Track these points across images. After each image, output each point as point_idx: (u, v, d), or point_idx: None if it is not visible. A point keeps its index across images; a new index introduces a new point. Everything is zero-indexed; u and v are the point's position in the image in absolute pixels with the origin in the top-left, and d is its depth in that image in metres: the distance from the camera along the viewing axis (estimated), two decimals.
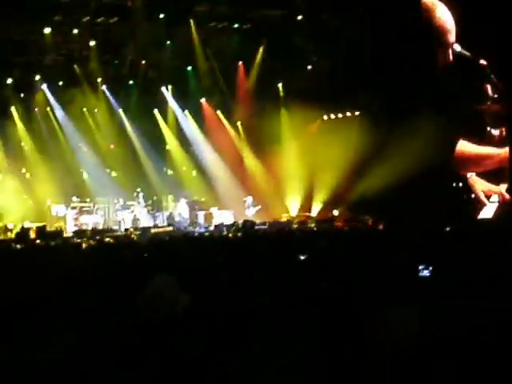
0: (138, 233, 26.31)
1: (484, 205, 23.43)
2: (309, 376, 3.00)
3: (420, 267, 6.55)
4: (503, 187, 22.81)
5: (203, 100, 32.55)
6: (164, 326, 4.43)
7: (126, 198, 30.58)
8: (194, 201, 30.95)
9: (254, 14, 29.24)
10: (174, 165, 32.69)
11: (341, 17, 28.14)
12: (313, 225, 26.88)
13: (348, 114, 29.45)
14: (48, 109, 31.57)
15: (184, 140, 32.73)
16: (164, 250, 9.59)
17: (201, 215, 30.24)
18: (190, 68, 31.58)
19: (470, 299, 4.31)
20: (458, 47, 23.83)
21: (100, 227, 29.30)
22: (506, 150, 22.27)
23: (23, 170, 31.13)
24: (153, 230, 27.46)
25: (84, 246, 17.70)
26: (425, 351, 3.66)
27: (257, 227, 26.85)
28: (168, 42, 30.42)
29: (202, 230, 28.00)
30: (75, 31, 29.10)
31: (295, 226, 26.95)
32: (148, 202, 31.09)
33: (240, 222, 27.42)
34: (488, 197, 23.25)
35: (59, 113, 31.42)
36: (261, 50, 30.70)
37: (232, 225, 27.37)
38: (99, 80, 31.44)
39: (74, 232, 27.99)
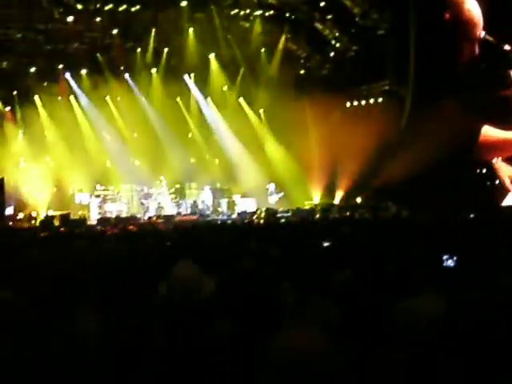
0: (161, 221, 26.39)
1: (509, 191, 23.31)
2: (329, 359, 3.00)
3: (444, 257, 6.51)
4: None
5: (225, 87, 32.48)
6: (189, 310, 4.45)
7: (150, 185, 30.63)
8: (217, 188, 30.95)
9: (276, 1, 29.17)
10: (197, 152, 32.67)
11: (365, 4, 28.03)
12: (336, 212, 26.82)
13: (371, 100, 29.29)
14: (71, 97, 31.67)
15: (207, 128, 32.70)
16: (187, 238, 9.60)
17: (224, 203, 30.25)
18: (212, 55, 31.53)
19: (490, 290, 4.29)
20: (482, 33, 23.67)
21: (124, 215, 29.40)
22: None
23: (47, 159, 31.24)
24: (176, 218, 27.54)
25: (108, 233, 17.75)
26: (448, 338, 3.65)
27: (279, 215, 26.84)
28: (190, 30, 30.40)
29: (225, 217, 28.03)
30: (98, 19, 29.21)
31: (318, 213, 26.92)
32: (171, 190, 31.12)
33: (263, 209, 27.40)
34: None
35: (82, 101, 31.53)
36: (283, 36, 30.61)
37: (254, 212, 27.36)
38: (122, 68, 31.49)
39: (97, 220, 28.13)
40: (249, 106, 32.26)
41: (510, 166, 23.62)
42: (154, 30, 30.40)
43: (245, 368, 3.48)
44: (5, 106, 30.80)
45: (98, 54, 30.52)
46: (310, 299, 5.13)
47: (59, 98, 31.55)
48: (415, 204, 22.16)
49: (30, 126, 30.79)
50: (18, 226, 27.17)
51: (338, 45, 30.30)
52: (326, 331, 3.16)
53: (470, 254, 6.76)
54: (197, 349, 3.65)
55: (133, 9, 29.31)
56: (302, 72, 31.71)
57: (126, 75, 31.79)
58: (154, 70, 31.84)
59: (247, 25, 31.37)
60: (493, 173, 23.76)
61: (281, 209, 28.22)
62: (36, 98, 30.95)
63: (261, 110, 32.16)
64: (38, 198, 29.93)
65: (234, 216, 28.16)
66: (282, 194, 30.03)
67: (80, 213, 29.28)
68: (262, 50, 31.45)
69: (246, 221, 25.72)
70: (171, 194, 31.03)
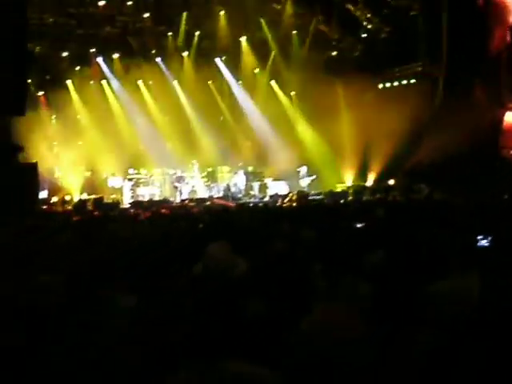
0: (193, 204, 26.48)
1: None
2: (360, 341, 3.00)
3: (479, 237, 6.47)
4: None
5: (257, 70, 32.44)
6: (222, 291, 4.47)
7: (182, 169, 30.73)
8: (249, 172, 30.96)
9: None
10: (229, 136, 32.70)
11: None
12: (368, 194, 26.74)
13: (404, 82, 29.09)
14: (103, 81, 31.84)
15: (238, 111, 32.71)
16: (219, 221, 9.64)
17: (256, 186, 30.28)
18: (243, 38, 31.49)
19: None
20: None
21: (156, 199, 29.55)
22: None
23: (80, 143, 31.46)
24: (208, 202, 27.62)
25: (141, 217, 17.84)
26: (483, 320, 3.63)
27: (311, 197, 26.82)
28: (222, 13, 30.38)
29: (257, 200, 28.06)
30: (129, 3, 29.29)
31: (350, 195, 26.86)
32: (203, 174, 31.19)
33: (294, 192, 27.40)
34: None
35: (114, 85, 31.70)
36: (315, 18, 30.47)
37: (286, 195, 27.36)
38: (153, 52, 31.57)
39: (130, 203, 28.30)
40: (280, 89, 32.19)
41: None
42: (185, 14, 30.44)
43: (275, 349, 3.50)
44: (38, 91, 31.02)
45: (130, 38, 30.62)
46: (342, 281, 5.14)
47: (91, 82, 31.74)
48: (448, 186, 22.03)
49: (62, 111, 31.00)
50: (52, 209, 27.41)
51: (370, 26, 30.10)
52: (357, 313, 3.16)
53: (504, 235, 6.71)
54: (229, 329, 3.67)
55: None
56: (334, 54, 31.56)
57: (158, 59, 31.88)
58: (185, 54, 31.91)
59: (279, 7, 31.30)
60: None
61: (313, 191, 28.18)
62: (68, 82, 31.16)
63: (292, 93, 32.08)
64: (71, 182, 30.19)
65: (266, 199, 28.17)
66: (313, 177, 29.95)
67: (113, 196, 29.50)
68: (294, 32, 31.34)
69: (278, 203, 25.74)
70: (203, 177, 31.11)
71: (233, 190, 30.22)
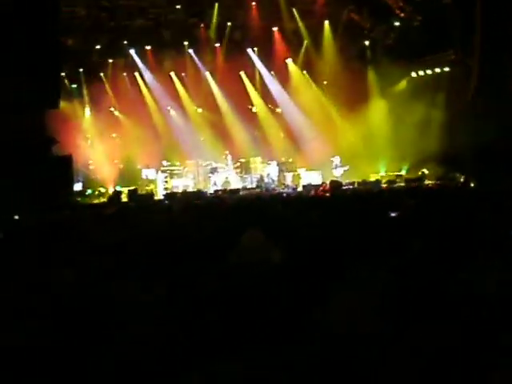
0: (226, 195, 26.54)
1: None
2: (385, 325, 2.99)
3: None
4: None
5: (289, 60, 32.37)
6: (257, 279, 4.49)
7: (215, 160, 30.80)
8: (282, 162, 30.94)
9: None
10: (262, 126, 32.68)
11: None
12: (402, 184, 26.62)
13: (437, 70, 28.86)
14: (136, 73, 31.98)
15: (271, 101, 32.68)
16: (253, 210, 9.65)
17: (289, 176, 30.26)
18: (275, 28, 31.43)
19: None
20: None
21: (190, 190, 29.66)
22: None
23: (113, 135, 31.65)
24: (241, 192, 27.67)
25: (174, 208, 17.92)
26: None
27: (345, 187, 26.74)
28: (253, 3, 30.35)
29: (290, 190, 28.04)
30: None
31: (384, 185, 26.76)
32: (236, 165, 31.24)
33: (327, 181, 27.34)
34: None
35: (147, 77, 31.82)
36: (347, 7, 30.30)
37: (320, 185, 27.30)
38: (186, 43, 31.63)
39: (164, 195, 28.44)
40: (312, 79, 32.10)
41: None
42: (217, 5, 30.44)
43: (305, 334, 3.51)
44: (71, 84, 31.24)
45: (163, 30, 30.70)
46: (373, 270, 5.13)
47: (124, 74, 31.91)
48: (482, 174, 21.86)
49: (96, 103, 31.23)
50: (87, 201, 27.64)
51: (402, 14, 29.88)
52: (384, 302, 3.15)
53: None
54: (264, 316, 3.69)
55: None
56: (367, 43, 31.36)
57: (190, 50, 31.94)
58: (217, 45, 31.91)
59: None
60: None
61: (346, 181, 28.10)
62: (102, 74, 31.35)
63: (324, 82, 31.97)
64: (105, 174, 30.40)
65: (299, 189, 28.14)
66: (347, 167, 29.82)
67: (147, 188, 29.66)
68: (326, 21, 31.20)
69: (311, 193, 25.71)
70: (236, 168, 31.14)
71: (266, 180, 30.22)
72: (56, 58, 24.81)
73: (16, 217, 15.21)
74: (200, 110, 32.37)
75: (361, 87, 28.31)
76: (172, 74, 31.84)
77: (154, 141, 30.30)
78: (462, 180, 23.80)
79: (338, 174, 29.77)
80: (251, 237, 5.10)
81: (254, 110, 33.25)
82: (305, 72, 32.21)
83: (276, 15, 30.62)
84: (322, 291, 4.11)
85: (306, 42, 31.43)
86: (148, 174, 30.56)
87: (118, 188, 29.01)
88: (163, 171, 30.52)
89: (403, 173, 28.90)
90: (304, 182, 29.38)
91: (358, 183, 27.24)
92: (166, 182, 30.30)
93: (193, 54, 31.98)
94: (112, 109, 31.76)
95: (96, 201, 27.79)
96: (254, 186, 29.88)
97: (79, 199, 27.33)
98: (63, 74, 28.92)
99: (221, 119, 31.81)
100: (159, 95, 31.78)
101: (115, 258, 5.31)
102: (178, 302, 3.96)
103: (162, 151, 30.75)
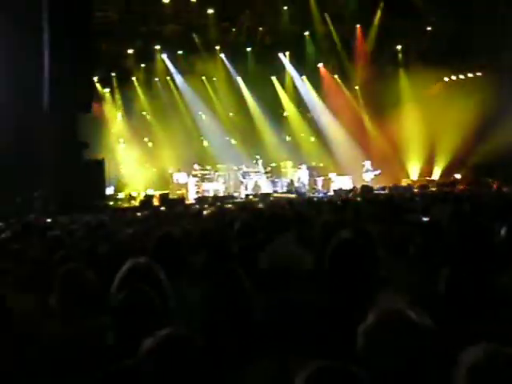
0: (257, 199, 26.54)
1: None
2: (422, 334, 2.95)
3: None
4: None
5: (321, 65, 32.36)
6: (289, 283, 4.47)
7: (246, 164, 30.84)
8: (313, 166, 30.92)
9: None
10: (292, 131, 32.71)
11: None
12: (434, 188, 26.46)
13: (470, 75, 28.69)
14: (168, 78, 32.13)
15: (302, 106, 32.68)
16: (283, 215, 9.62)
17: (319, 181, 30.24)
18: (307, 33, 31.42)
19: None
20: None
21: (221, 194, 29.72)
22: None
23: (145, 139, 31.82)
24: (272, 197, 27.66)
25: (205, 212, 17.93)
26: None
27: (376, 192, 26.63)
28: (285, 8, 30.37)
29: (321, 195, 27.98)
30: (193, 0, 29.47)
31: (416, 190, 26.61)
32: (267, 169, 31.27)
33: (358, 186, 27.27)
34: None
35: (179, 81, 31.96)
36: (379, 11, 30.22)
37: (351, 190, 27.23)
38: (217, 48, 31.73)
39: (195, 199, 28.51)
40: (344, 83, 32.06)
41: None
42: (248, 10, 30.52)
43: (341, 341, 3.49)
44: (104, 88, 31.46)
45: (194, 35, 30.81)
46: (406, 273, 5.09)
47: (156, 78, 32.07)
48: None
49: (128, 107, 31.44)
50: (118, 205, 27.79)
51: (434, 19, 29.74)
52: (423, 306, 3.11)
53: None
54: (295, 320, 3.67)
55: None
56: (399, 47, 31.24)
57: (222, 55, 32.03)
58: (249, 49, 31.96)
59: (342, 1, 31.15)
60: None
61: (377, 186, 28.00)
62: (134, 79, 31.54)
63: (356, 87, 31.91)
64: (137, 178, 30.55)
65: (330, 193, 28.08)
66: (378, 171, 29.70)
67: (178, 192, 29.75)
68: (358, 25, 31.14)
69: (342, 198, 25.60)
70: (267, 172, 31.17)
71: (296, 185, 30.21)
72: (88, 62, 25.02)
73: (48, 219, 15.29)
74: (231, 115, 32.44)
75: (393, 91, 28.20)
76: (203, 78, 31.93)
77: (185, 145, 30.41)
78: (494, 185, 23.59)
79: (368, 178, 29.67)
80: (283, 241, 5.08)
81: (285, 114, 33.27)
82: (336, 76, 32.17)
83: (307, 20, 30.61)
84: (362, 295, 4.08)
85: (337, 46, 31.38)
86: (179, 178, 30.66)
87: (150, 192, 29.11)
88: (194, 175, 30.61)
89: (435, 177, 28.74)
90: (335, 186, 29.32)
91: (390, 188, 27.11)
92: (197, 186, 30.37)
93: (224, 59, 32.09)
94: (144, 113, 31.92)
95: (127, 205, 27.91)
96: (284, 190, 29.88)
97: (111, 203, 27.46)
98: (96, 78, 29.13)
99: (252, 123, 31.87)
100: (191, 99, 31.90)
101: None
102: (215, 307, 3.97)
103: (193, 155, 30.85)
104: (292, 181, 30.35)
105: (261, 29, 31.33)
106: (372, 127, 30.80)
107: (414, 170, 29.77)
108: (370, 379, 2.58)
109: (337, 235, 4.69)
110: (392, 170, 29.43)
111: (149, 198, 27.44)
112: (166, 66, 31.88)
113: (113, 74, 31.24)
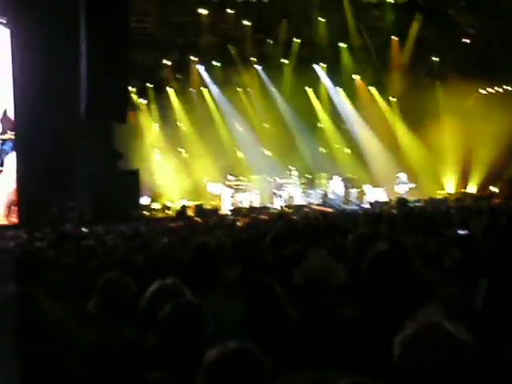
0: (291, 211, 26.51)
1: None
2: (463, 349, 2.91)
3: None
4: None
5: (356, 76, 32.29)
6: (323, 297, 4.46)
7: (280, 176, 30.81)
8: (347, 178, 30.81)
9: None
10: (327, 142, 32.64)
11: None
12: (470, 202, 26.23)
13: (507, 87, 28.49)
14: (203, 89, 32.24)
15: (337, 117, 32.61)
16: (318, 227, 9.59)
17: (353, 193, 30.12)
18: (343, 44, 31.39)
19: None
20: None
21: (255, 205, 29.71)
22: None
23: (180, 150, 31.92)
24: (306, 208, 27.61)
25: (239, 223, 17.96)
26: None
27: (411, 204, 26.47)
28: (321, 19, 30.40)
29: (355, 207, 27.90)
30: (230, 11, 29.63)
31: (451, 202, 26.40)
32: (301, 180, 31.22)
33: (393, 198, 27.13)
34: None
35: (214, 92, 32.04)
36: (415, 23, 30.13)
37: (386, 202, 27.12)
38: (253, 59, 31.79)
39: (229, 210, 28.54)
40: (380, 95, 31.96)
41: None
42: (285, 21, 30.59)
43: (376, 353, 3.47)
44: (139, 99, 31.64)
45: (230, 46, 30.93)
46: (442, 286, 5.04)
47: (192, 89, 32.20)
48: None
49: (163, 118, 31.58)
50: (153, 215, 27.92)
51: (471, 31, 29.59)
52: (460, 319, 3.07)
53: None
54: (329, 333, 3.66)
55: (264, 0, 29.62)
56: (435, 59, 31.09)
57: (258, 66, 32.08)
58: (284, 61, 31.99)
59: (379, 13, 31.13)
60: None
61: (412, 198, 27.84)
62: (169, 90, 31.69)
63: (392, 99, 31.79)
64: (172, 188, 30.65)
65: (365, 205, 27.97)
66: (413, 184, 29.47)
67: (212, 203, 29.79)
68: (394, 37, 31.06)
69: (377, 210, 25.50)
70: (301, 184, 31.12)
71: (331, 196, 30.13)
72: (124, 72, 25.23)
73: (84, 229, 15.40)
74: (266, 126, 32.45)
75: (429, 103, 28.06)
76: (239, 89, 31.99)
77: (220, 156, 30.45)
78: None
79: (402, 190, 29.46)
80: (316, 256, 5.06)
81: (319, 125, 33.22)
82: (372, 88, 32.08)
83: (343, 31, 30.61)
84: (399, 308, 4.05)
85: (373, 58, 31.31)
86: (214, 188, 30.71)
87: (185, 202, 29.19)
88: (229, 186, 30.64)
89: (471, 190, 28.51)
90: (369, 198, 29.21)
91: (425, 201, 26.93)
92: (232, 196, 30.40)
93: (260, 70, 32.12)
94: (179, 123, 32.04)
95: (162, 215, 28.01)
96: (319, 201, 29.80)
97: (146, 213, 27.59)
98: (131, 88, 29.32)
99: (287, 135, 31.81)
100: (226, 110, 31.96)
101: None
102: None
103: (227, 166, 30.88)
104: (325, 192, 30.28)
105: (297, 40, 31.35)
106: (407, 139, 30.64)
107: (449, 183, 29.56)
108: None
109: (373, 247, 4.66)
110: (427, 182, 29.28)
111: (183, 208, 27.51)
112: (201, 77, 32.00)
113: (149, 85, 31.40)
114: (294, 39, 31.32)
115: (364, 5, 30.83)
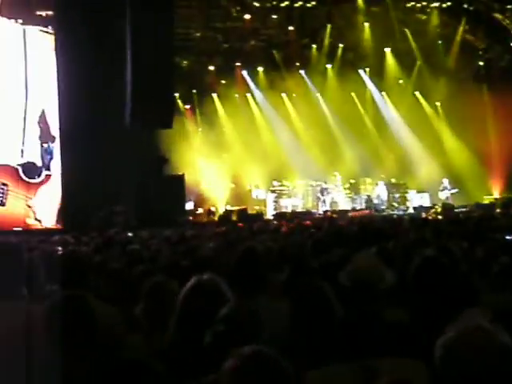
0: (335, 215, 26.44)
1: None
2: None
3: None
4: None
5: (401, 81, 32.12)
6: (370, 299, 4.46)
7: (325, 180, 30.75)
8: (392, 183, 30.67)
9: None
10: (371, 147, 32.46)
11: None
12: None
13: None
14: (248, 94, 32.31)
15: (382, 122, 32.45)
16: (363, 232, 9.57)
17: (398, 198, 29.98)
18: (388, 49, 31.26)
19: None
20: None
21: (299, 210, 29.70)
22: None
23: (225, 155, 32.01)
24: (351, 213, 27.52)
25: (284, 228, 17.94)
26: None
27: (457, 210, 26.26)
28: (366, 24, 30.31)
29: (401, 212, 27.76)
30: (274, 16, 29.68)
31: (498, 208, 26.09)
32: (345, 185, 31.14)
33: (439, 204, 26.95)
34: None
35: (259, 97, 32.10)
36: (461, 28, 29.89)
37: (431, 207, 26.94)
38: (297, 64, 31.79)
39: (273, 215, 28.56)
40: (425, 100, 31.75)
41: None
42: (329, 26, 30.56)
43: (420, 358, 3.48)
44: (184, 104, 31.81)
45: (275, 51, 30.99)
46: (490, 291, 5.01)
47: (236, 95, 32.27)
48: None
49: (208, 123, 31.67)
50: (198, 220, 28.04)
51: None
52: (506, 324, 3.06)
53: None
54: (373, 336, 3.66)
55: (308, 5, 29.62)
56: (481, 63, 30.82)
57: (302, 71, 32.07)
58: (329, 66, 31.94)
59: (424, 17, 30.98)
60: None
61: (458, 204, 27.60)
62: (214, 95, 31.80)
63: (437, 103, 31.56)
64: (216, 193, 30.74)
65: (410, 211, 27.80)
66: (456, 190, 29.18)
67: (257, 208, 29.83)
68: (439, 41, 30.86)
69: (423, 215, 25.35)
70: (345, 188, 31.04)
71: (375, 201, 30.01)
72: (170, 78, 25.38)
73: (130, 234, 15.52)
74: (310, 130, 32.40)
75: (475, 108, 27.77)
76: (283, 94, 32.00)
77: (264, 161, 30.44)
78: None
79: (444, 196, 29.19)
80: (363, 257, 5.06)
81: (364, 130, 33.08)
82: (417, 93, 31.88)
83: (388, 36, 30.47)
84: (446, 313, 4.04)
85: (418, 62, 31.15)
86: (258, 193, 30.77)
87: (229, 207, 29.29)
88: (273, 191, 30.67)
89: None
90: (413, 203, 29.05)
91: (471, 206, 26.68)
92: (275, 201, 30.42)
93: (304, 75, 32.10)
94: (224, 129, 32.13)
95: (206, 219, 28.12)
96: (363, 206, 29.71)
97: (191, 218, 27.74)
98: (177, 94, 29.49)
99: (331, 139, 31.72)
100: (270, 116, 31.99)
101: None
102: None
103: (272, 171, 30.86)
104: (369, 197, 30.17)
105: (341, 45, 31.30)
106: (453, 144, 30.40)
107: (496, 188, 29.25)
108: None
109: (420, 253, 4.66)
110: (473, 187, 29.00)
111: (228, 213, 27.60)
112: (246, 82, 32.09)
113: (193, 91, 31.57)
114: (339, 44, 31.27)
115: (409, 9, 30.67)
